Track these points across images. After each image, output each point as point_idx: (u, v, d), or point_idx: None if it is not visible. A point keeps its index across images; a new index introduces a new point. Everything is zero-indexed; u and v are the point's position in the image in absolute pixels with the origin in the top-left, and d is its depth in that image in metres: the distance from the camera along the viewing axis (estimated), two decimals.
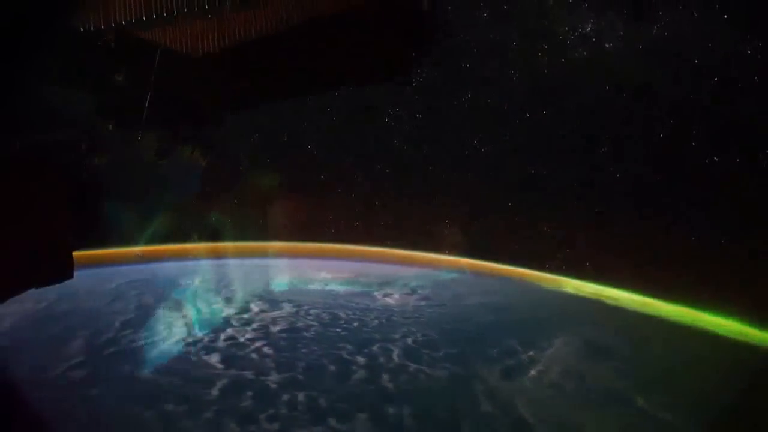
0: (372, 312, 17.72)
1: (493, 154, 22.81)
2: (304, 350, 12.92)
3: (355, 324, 15.87)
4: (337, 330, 15.25)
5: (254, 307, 17.48)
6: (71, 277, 2.56)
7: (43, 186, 2.45)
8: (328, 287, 21.13)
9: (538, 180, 22.77)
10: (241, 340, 13.92)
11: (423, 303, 19.20)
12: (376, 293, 20.47)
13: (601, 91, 20.31)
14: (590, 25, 19.38)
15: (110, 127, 3.50)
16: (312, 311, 17.28)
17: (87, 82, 3.38)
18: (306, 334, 14.58)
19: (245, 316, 16.70)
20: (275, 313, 17.25)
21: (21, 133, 2.86)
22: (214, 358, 12.47)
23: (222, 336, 14.44)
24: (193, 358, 12.30)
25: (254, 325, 15.56)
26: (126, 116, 3.66)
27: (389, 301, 19.63)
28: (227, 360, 11.96)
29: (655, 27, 18.67)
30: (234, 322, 15.82)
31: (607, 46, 19.61)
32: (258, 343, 13.40)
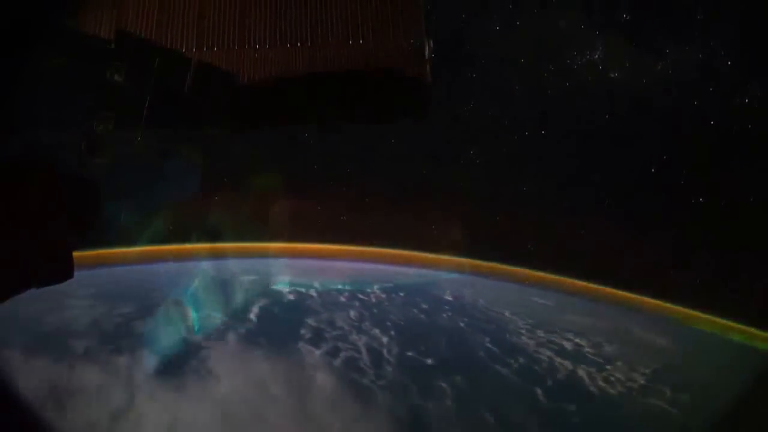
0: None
1: (487, 166, 23.06)
2: None
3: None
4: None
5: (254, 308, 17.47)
6: (71, 277, 2.55)
7: (42, 186, 2.44)
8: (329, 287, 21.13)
9: (528, 197, 23.08)
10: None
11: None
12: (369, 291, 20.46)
13: (601, 117, 20.62)
14: (598, 53, 19.64)
15: (110, 127, 3.49)
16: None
17: (87, 82, 3.38)
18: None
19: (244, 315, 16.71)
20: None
21: (21, 133, 2.85)
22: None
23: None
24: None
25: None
26: (126, 116, 3.66)
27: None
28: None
29: (660, 63, 18.94)
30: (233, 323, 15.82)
31: (612, 75, 19.87)
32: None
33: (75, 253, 2.65)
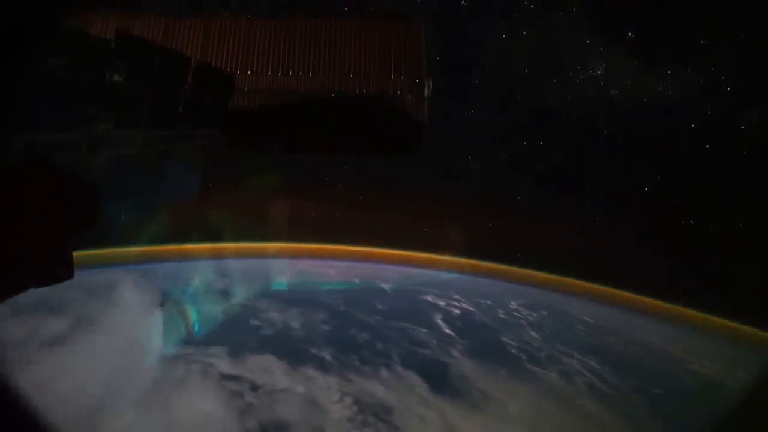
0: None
1: (483, 171, 23.25)
2: None
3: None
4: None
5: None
6: (71, 277, 2.55)
7: (42, 186, 2.44)
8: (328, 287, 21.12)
9: (518, 207, 23.30)
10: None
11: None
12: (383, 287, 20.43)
13: (600, 132, 20.96)
14: (601, 70, 19.99)
15: (110, 127, 3.49)
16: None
17: (87, 82, 3.38)
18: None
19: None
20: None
21: (21, 132, 2.85)
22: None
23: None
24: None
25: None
26: (126, 116, 3.66)
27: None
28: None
29: (661, 84, 19.30)
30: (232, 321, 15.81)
31: (613, 92, 20.22)
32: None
33: (75, 253, 2.65)
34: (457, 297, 21.81)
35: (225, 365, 12.36)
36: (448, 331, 16.01)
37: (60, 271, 2.51)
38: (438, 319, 17.89)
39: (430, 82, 4.16)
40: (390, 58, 4.14)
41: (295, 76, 4.11)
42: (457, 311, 20.04)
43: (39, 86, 2.95)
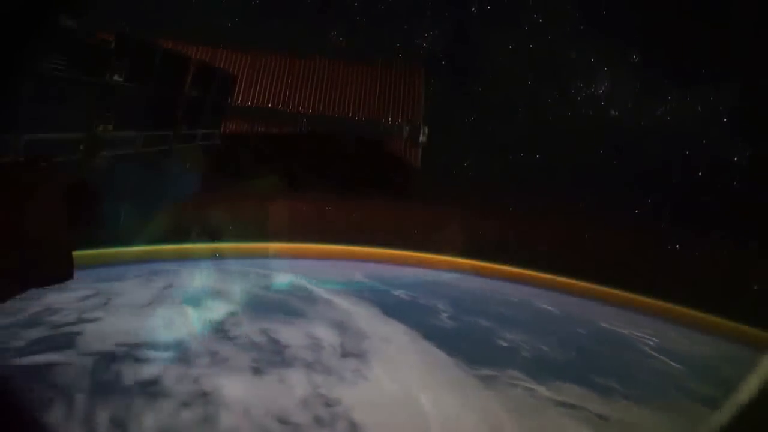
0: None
1: (476, 181, 23.51)
2: None
3: None
4: None
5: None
6: (71, 277, 2.56)
7: (42, 186, 2.45)
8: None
9: (508, 221, 23.73)
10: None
11: None
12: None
13: (595, 152, 21.49)
14: (602, 89, 20.40)
15: (110, 127, 3.50)
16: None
17: (87, 82, 3.38)
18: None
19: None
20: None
21: (21, 132, 2.86)
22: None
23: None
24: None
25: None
26: (126, 116, 3.67)
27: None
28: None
29: (660, 109, 19.78)
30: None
31: (612, 113, 20.71)
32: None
33: (75, 253, 2.66)
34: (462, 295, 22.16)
35: None
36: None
37: (60, 271, 2.52)
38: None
39: (426, 129, 4.34)
40: (390, 101, 4.35)
41: (293, 113, 4.36)
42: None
43: (39, 86, 2.96)
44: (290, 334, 10.80)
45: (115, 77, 3.50)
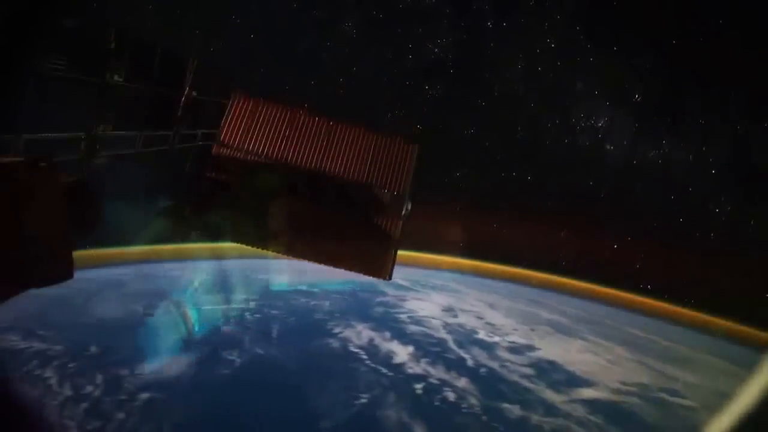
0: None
1: (469, 192, 23.71)
2: None
3: None
4: None
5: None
6: (71, 277, 2.55)
7: (42, 185, 2.44)
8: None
9: (495, 231, 23.91)
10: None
11: None
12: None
13: (585, 182, 21.82)
14: (602, 122, 20.76)
15: (110, 127, 3.49)
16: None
17: (87, 82, 3.38)
18: None
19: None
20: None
21: (21, 132, 2.85)
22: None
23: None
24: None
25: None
26: (126, 116, 3.66)
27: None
28: None
29: (653, 152, 20.43)
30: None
31: (607, 146, 21.17)
32: None
33: (75, 253, 2.65)
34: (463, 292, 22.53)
35: None
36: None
37: (60, 271, 2.51)
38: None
39: (410, 204, 4.41)
40: (381, 169, 4.47)
41: (290, 165, 4.57)
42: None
43: (39, 86, 2.95)
44: None
45: (115, 77, 3.50)
